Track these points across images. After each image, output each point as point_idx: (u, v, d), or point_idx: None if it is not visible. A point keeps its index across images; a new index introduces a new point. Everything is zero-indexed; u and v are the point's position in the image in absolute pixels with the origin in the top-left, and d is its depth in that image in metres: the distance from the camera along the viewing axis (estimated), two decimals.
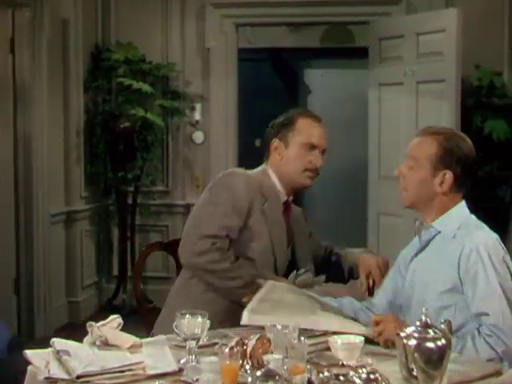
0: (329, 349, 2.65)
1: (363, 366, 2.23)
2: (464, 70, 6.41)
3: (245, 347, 2.49)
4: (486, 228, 3.07)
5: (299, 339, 2.48)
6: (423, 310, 2.32)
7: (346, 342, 2.63)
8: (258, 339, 2.48)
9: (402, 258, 3.25)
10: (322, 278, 3.56)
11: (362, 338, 2.64)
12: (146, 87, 6.94)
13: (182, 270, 3.43)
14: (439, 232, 3.06)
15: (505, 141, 6.43)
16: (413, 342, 2.19)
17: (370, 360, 2.51)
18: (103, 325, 2.78)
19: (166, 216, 7.54)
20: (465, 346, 2.80)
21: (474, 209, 3.14)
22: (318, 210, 9.98)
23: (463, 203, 3.11)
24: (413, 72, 6.75)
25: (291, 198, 3.50)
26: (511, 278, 2.91)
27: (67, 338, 2.78)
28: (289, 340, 2.47)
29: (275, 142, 3.43)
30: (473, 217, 3.11)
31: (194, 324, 2.66)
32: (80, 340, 2.78)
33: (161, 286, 6.50)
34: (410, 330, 2.22)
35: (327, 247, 3.72)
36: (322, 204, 10.28)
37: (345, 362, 2.53)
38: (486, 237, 2.98)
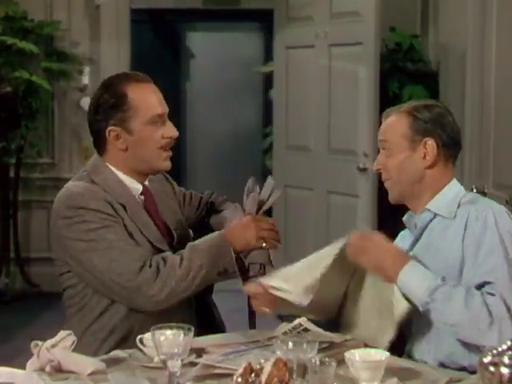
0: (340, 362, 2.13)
1: None
2: None
3: (253, 374, 1.95)
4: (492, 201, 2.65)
5: (322, 361, 1.97)
6: None
7: (368, 359, 2.13)
8: (273, 364, 1.93)
9: None
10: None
11: (387, 354, 2.15)
12: (31, 47, 6.23)
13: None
14: (435, 215, 2.61)
15: None
16: (507, 371, 1.68)
17: (395, 380, 2.06)
18: (54, 345, 2.17)
19: (52, 191, 6.74)
20: (453, 294, 2.35)
21: None
22: (204, 184, 9.44)
23: (455, 180, 2.68)
24: (325, 34, 6.26)
25: (147, 181, 2.82)
26: None
27: None
28: (309, 361, 1.96)
29: (112, 130, 2.67)
30: (471, 193, 2.72)
31: (176, 342, 2.10)
32: None
33: (47, 268, 5.80)
34: (490, 356, 1.71)
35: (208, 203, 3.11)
36: (208, 177, 9.75)
37: None
38: (493, 205, 2.56)
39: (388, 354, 2.15)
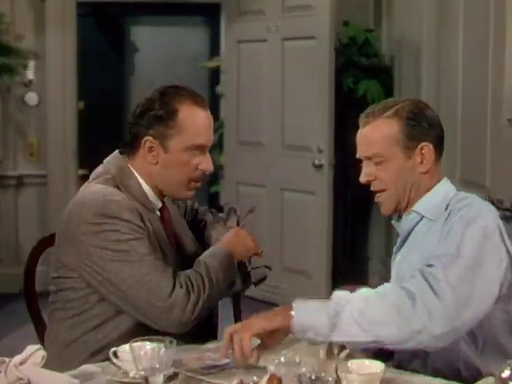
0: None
1: None
2: None
3: None
4: (485, 202, 2.48)
5: (318, 377, 1.84)
6: None
7: (363, 371, 2.01)
8: (267, 381, 1.80)
9: None
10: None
11: (382, 366, 2.02)
12: None
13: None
14: (422, 217, 2.46)
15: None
16: None
17: None
18: (22, 362, 2.00)
19: None
20: (360, 308, 2.15)
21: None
22: None
23: (446, 179, 2.51)
24: (277, 28, 6.15)
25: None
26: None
27: None
28: (304, 376, 1.83)
29: (148, 141, 2.50)
30: (462, 192, 2.52)
31: (157, 356, 1.96)
32: None
33: None
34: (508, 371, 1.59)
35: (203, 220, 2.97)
36: None
37: None
38: (485, 209, 2.37)
39: (383, 365, 2.02)
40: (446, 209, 2.41)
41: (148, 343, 2.00)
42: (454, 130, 4.36)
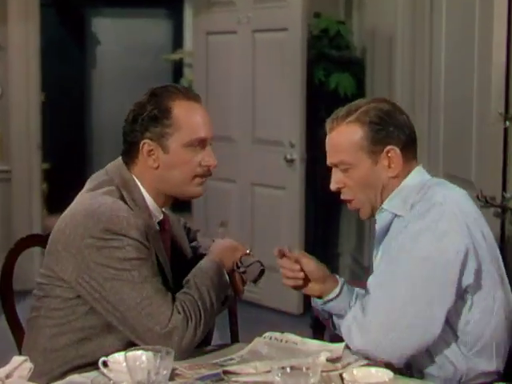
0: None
1: None
2: None
3: None
4: (455, 187, 2.40)
5: None
6: None
7: (371, 380, 1.90)
8: None
9: None
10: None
11: (391, 374, 1.92)
12: None
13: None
14: (395, 215, 2.37)
15: (351, 97, 5.85)
16: None
17: None
18: (8, 375, 1.86)
19: None
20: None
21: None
22: None
23: (418, 168, 2.42)
24: (248, 19, 6.02)
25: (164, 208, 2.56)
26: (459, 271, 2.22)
27: None
28: None
29: (146, 144, 2.39)
30: (435, 179, 2.44)
31: (154, 367, 1.83)
32: None
33: None
34: None
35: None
36: None
37: None
38: (447, 196, 2.29)
39: (392, 373, 1.92)
40: (412, 208, 2.32)
41: (143, 352, 1.87)
42: (436, 124, 4.27)
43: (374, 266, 2.45)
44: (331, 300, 2.38)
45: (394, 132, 2.34)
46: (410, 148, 2.38)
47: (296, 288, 2.40)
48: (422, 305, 2.17)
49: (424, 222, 2.22)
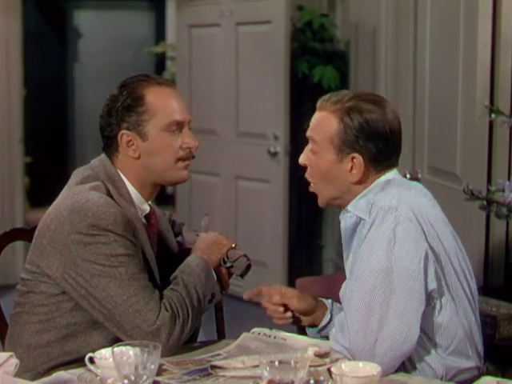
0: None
1: None
2: None
3: None
4: (412, 184, 2.39)
5: (318, 380, 1.72)
6: None
7: (359, 374, 1.89)
8: None
9: None
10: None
11: (379, 368, 1.91)
12: None
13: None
14: (361, 218, 2.33)
15: (335, 89, 5.81)
16: None
17: None
18: None
19: None
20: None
21: None
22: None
23: (391, 173, 2.37)
24: (231, 12, 6.00)
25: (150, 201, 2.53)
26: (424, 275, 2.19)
27: None
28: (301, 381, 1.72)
29: (124, 135, 2.38)
30: (396, 179, 2.37)
31: (141, 362, 1.82)
32: None
33: None
34: None
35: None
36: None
37: None
38: (400, 197, 2.25)
39: (379, 367, 1.90)
40: (371, 211, 2.27)
41: (130, 348, 1.85)
42: (421, 117, 4.27)
43: (347, 271, 2.40)
44: (325, 327, 2.42)
45: (365, 142, 2.30)
46: (379, 161, 2.33)
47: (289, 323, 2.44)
48: (397, 316, 2.14)
49: (381, 230, 2.20)
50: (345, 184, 2.34)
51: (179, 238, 2.72)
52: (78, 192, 2.33)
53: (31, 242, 2.43)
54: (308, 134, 2.39)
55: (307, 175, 2.40)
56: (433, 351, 2.26)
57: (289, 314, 2.40)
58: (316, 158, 2.35)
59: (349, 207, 2.35)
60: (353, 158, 2.31)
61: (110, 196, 2.34)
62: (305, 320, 2.43)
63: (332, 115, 2.32)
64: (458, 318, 2.26)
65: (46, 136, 9.18)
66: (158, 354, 1.85)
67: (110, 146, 2.43)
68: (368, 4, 5.67)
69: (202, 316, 2.40)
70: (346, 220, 2.37)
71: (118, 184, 2.39)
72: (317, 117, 2.38)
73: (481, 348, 2.35)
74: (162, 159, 2.39)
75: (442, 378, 2.24)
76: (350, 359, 2.12)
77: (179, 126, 2.41)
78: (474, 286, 2.35)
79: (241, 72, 6.00)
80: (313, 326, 2.44)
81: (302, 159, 2.40)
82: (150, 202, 2.50)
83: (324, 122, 2.34)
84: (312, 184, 2.40)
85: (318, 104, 2.39)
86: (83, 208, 2.26)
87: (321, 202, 2.42)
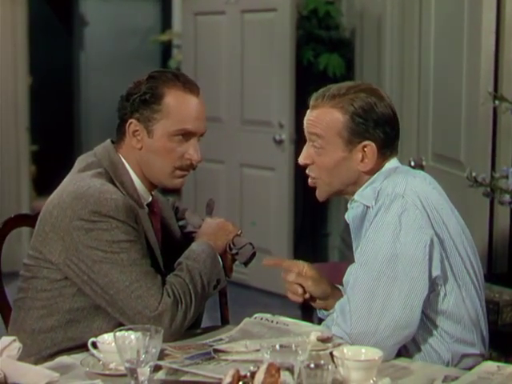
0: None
1: None
2: None
3: (241, 383, 1.69)
4: (417, 173, 2.39)
5: (318, 364, 1.73)
6: None
7: (361, 358, 1.90)
8: (265, 371, 1.68)
9: None
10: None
11: (380, 352, 1.92)
12: None
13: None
14: (367, 207, 2.32)
15: (340, 77, 5.84)
16: None
17: (388, 380, 1.89)
18: None
19: None
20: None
21: None
22: None
23: (392, 161, 2.37)
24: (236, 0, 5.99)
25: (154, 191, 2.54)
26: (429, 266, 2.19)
27: None
28: (302, 364, 1.74)
29: (133, 124, 2.38)
30: (401, 167, 2.38)
31: (143, 346, 1.82)
32: None
33: None
34: None
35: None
36: None
37: None
38: (405, 185, 2.25)
39: (381, 352, 1.91)
40: (378, 198, 2.28)
41: (132, 332, 1.86)
42: (426, 103, 4.27)
43: (356, 260, 2.43)
44: None
45: (374, 128, 2.29)
46: (387, 145, 2.34)
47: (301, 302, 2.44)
48: (401, 301, 2.14)
49: (387, 217, 2.19)
50: (353, 176, 2.33)
51: (182, 222, 2.72)
52: (81, 179, 2.33)
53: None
54: (309, 131, 2.35)
55: (308, 171, 2.37)
56: (439, 337, 2.26)
57: (301, 292, 2.37)
58: (321, 154, 2.32)
59: (355, 197, 2.34)
60: (364, 147, 2.30)
61: (113, 183, 2.35)
62: (318, 303, 2.41)
63: (334, 109, 2.30)
64: (463, 304, 2.27)
65: (52, 124, 9.19)
66: (159, 338, 1.86)
67: (119, 129, 2.43)
68: None
69: (206, 302, 2.40)
70: (353, 210, 2.35)
71: (120, 172, 2.40)
72: (315, 114, 2.34)
73: (486, 335, 2.36)
74: (160, 161, 2.39)
75: (447, 364, 2.25)
76: (350, 344, 2.12)
77: (188, 135, 2.38)
78: (481, 273, 2.35)
79: (246, 60, 6.00)
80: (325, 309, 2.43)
81: (304, 159, 2.36)
82: (153, 192, 2.50)
83: (327, 116, 2.31)
84: (312, 179, 2.37)
85: (312, 103, 2.35)
86: (85, 195, 2.27)
87: (321, 195, 2.40)
